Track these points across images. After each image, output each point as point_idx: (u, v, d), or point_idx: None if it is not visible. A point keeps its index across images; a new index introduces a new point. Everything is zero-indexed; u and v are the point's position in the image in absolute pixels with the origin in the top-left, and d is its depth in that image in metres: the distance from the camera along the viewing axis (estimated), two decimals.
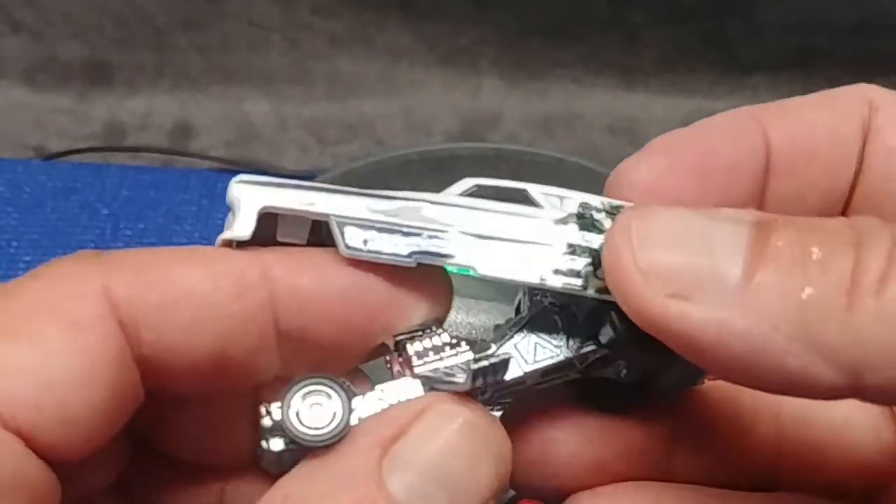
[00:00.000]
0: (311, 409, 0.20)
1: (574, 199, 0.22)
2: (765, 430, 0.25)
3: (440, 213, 0.21)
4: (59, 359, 0.19)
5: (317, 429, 0.20)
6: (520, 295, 0.23)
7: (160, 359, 0.21)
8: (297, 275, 0.21)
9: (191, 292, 0.21)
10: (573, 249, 0.21)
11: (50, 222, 0.61)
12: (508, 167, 0.54)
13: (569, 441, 0.24)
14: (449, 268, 0.22)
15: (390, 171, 0.54)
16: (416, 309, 0.22)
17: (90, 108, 0.71)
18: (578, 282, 0.21)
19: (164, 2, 0.68)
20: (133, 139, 0.70)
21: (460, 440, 0.20)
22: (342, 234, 0.21)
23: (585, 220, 0.22)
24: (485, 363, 0.21)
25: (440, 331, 0.22)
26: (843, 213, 0.24)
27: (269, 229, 0.21)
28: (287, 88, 0.71)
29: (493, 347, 0.22)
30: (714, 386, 0.25)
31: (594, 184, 0.58)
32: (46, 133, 0.70)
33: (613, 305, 0.20)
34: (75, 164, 0.67)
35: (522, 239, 0.21)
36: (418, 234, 0.21)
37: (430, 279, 0.22)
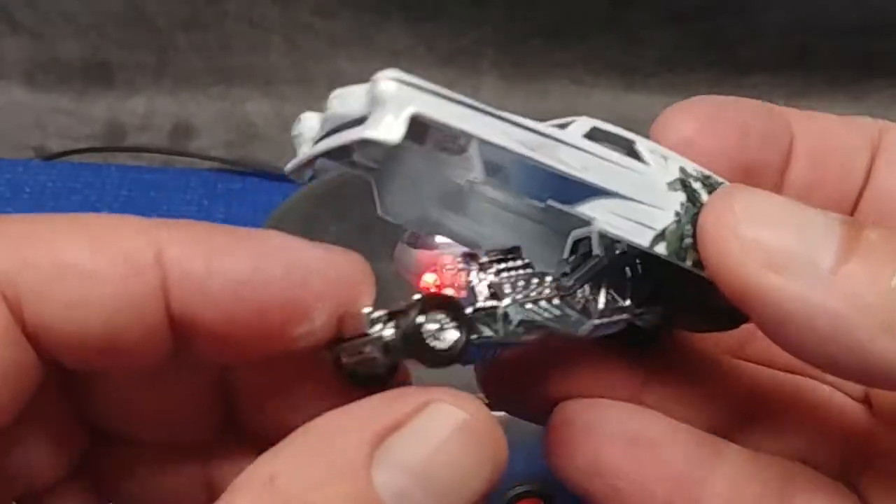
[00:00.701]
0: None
1: (675, 161, 0.23)
2: (739, 374, 0.25)
3: (574, 157, 0.21)
4: None
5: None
6: (582, 231, 0.23)
7: (45, 335, 0.20)
8: (190, 259, 0.20)
9: (75, 270, 0.20)
10: (679, 218, 0.22)
11: None
12: None
13: (557, 360, 0.24)
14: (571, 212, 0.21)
15: None
16: (317, 311, 0.21)
17: (90, 108, 0.71)
18: (681, 253, 0.21)
19: (164, 2, 0.68)
20: (133, 139, 0.70)
21: (456, 443, 0.19)
22: (483, 162, 0.20)
23: (689, 189, 0.22)
24: (605, 320, 0.22)
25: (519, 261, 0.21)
26: (851, 211, 0.25)
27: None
28: (287, 88, 0.71)
29: (580, 294, 0.22)
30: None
31: None
32: (46, 133, 0.70)
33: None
34: (75, 164, 0.67)
35: (639, 199, 0.21)
36: (553, 175, 0.21)
37: (345, 274, 0.21)
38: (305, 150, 0.21)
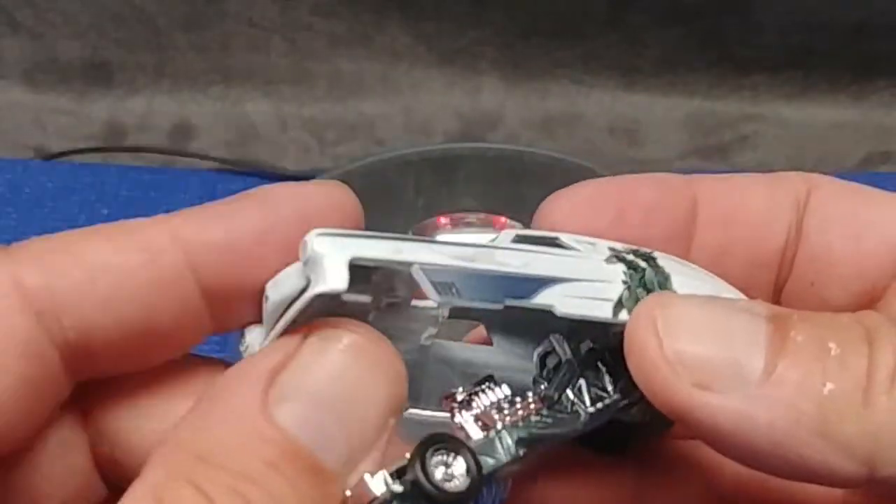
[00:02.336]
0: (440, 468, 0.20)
1: (602, 243, 0.23)
2: (728, 476, 0.25)
3: (512, 257, 0.22)
4: None
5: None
6: (544, 345, 0.23)
7: (87, 340, 0.21)
8: (206, 230, 0.22)
9: (103, 268, 0.21)
10: (628, 284, 0.22)
11: (50, 222, 0.61)
12: (508, 167, 0.54)
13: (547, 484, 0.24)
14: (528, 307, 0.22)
15: (390, 171, 0.54)
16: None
17: (90, 108, 0.71)
18: None
19: (164, 2, 0.68)
20: (133, 139, 0.70)
21: (346, 362, 0.20)
22: (431, 282, 0.21)
23: (625, 260, 0.22)
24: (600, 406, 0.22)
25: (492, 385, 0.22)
26: (783, 274, 0.25)
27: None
28: (287, 88, 0.71)
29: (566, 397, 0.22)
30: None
31: None
32: (46, 133, 0.70)
33: None
34: (75, 164, 0.66)
35: (585, 278, 0.22)
36: (500, 277, 0.21)
37: (341, 202, 0.23)
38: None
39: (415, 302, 0.23)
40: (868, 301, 0.24)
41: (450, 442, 0.20)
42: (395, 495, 0.19)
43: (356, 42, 0.70)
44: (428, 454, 0.20)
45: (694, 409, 0.20)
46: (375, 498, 0.19)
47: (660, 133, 0.69)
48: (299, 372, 0.19)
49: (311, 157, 0.70)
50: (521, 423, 0.21)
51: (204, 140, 0.70)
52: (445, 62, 0.70)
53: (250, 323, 0.22)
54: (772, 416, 0.19)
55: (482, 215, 0.50)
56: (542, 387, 0.23)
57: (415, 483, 0.19)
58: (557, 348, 0.23)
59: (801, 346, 0.20)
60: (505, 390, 0.22)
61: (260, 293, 0.22)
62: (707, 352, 0.20)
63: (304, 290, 0.20)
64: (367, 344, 0.20)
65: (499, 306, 0.21)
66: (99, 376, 0.22)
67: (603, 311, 0.22)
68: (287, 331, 0.21)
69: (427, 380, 0.24)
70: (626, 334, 0.21)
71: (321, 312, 0.21)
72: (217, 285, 0.21)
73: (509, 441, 0.21)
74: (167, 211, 0.68)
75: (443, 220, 0.50)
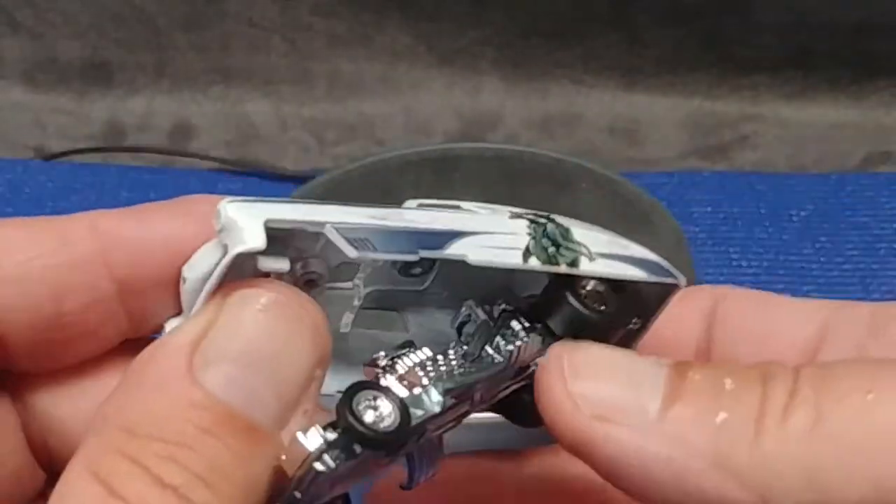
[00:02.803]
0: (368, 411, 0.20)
1: (501, 208, 0.24)
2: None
3: (420, 216, 0.22)
4: None
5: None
6: (460, 316, 0.24)
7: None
8: (122, 225, 0.22)
9: (12, 248, 0.21)
10: (533, 234, 0.23)
11: None
12: (508, 167, 0.54)
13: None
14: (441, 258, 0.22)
15: (390, 171, 0.54)
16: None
17: (90, 108, 0.71)
18: (548, 265, 0.23)
19: (164, 2, 0.68)
20: (133, 139, 0.70)
21: (268, 320, 0.20)
22: (346, 239, 0.21)
23: (525, 217, 0.23)
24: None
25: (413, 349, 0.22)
26: None
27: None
28: (287, 88, 0.71)
29: (488, 353, 0.23)
30: None
31: (594, 184, 0.58)
32: (46, 133, 0.70)
33: (569, 287, 0.23)
34: (75, 165, 0.66)
35: (492, 230, 0.23)
36: (412, 232, 0.22)
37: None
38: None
39: (330, 284, 0.23)
40: None
41: (374, 387, 0.20)
42: (329, 444, 0.19)
43: (356, 42, 0.70)
44: (355, 400, 0.20)
45: (595, 441, 0.20)
46: (310, 453, 0.19)
47: (660, 133, 0.69)
48: (221, 335, 0.19)
49: (311, 157, 0.69)
50: (445, 377, 0.22)
51: (204, 140, 0.70)
52: (445, 62, 0.70)
53: (170, 318, 0.22)
54: (669, 449, 0.20)
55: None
56: (463, 347, 0.23)
57: (347, 428, 0.19)
58: (472, 313, 0.24)
59: (698, 384, 0.21)
60: (426, 352, 0.22)
61: (175, 295, 0.22)
62: (609, 389, 0.21)
63: (221, 260, 0.20)
64: (285, 300, 0.20)
65: (414, 257, 0.21)
66: (16, 367, 0.22)
67: (513, 259, 0.22)
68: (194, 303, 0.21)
69: (349, 368, 0.24)
70: (535, 376, 0.22)
71: (248, 276, 0.21)
72: (130, 279, 0.22)
73: (437, 395, 0.21)
74: None
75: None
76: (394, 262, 0.24)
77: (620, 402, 0.21)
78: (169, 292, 0.22)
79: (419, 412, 0.21)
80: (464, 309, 0.24)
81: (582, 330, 0.23)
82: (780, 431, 0.20)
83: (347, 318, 0.24)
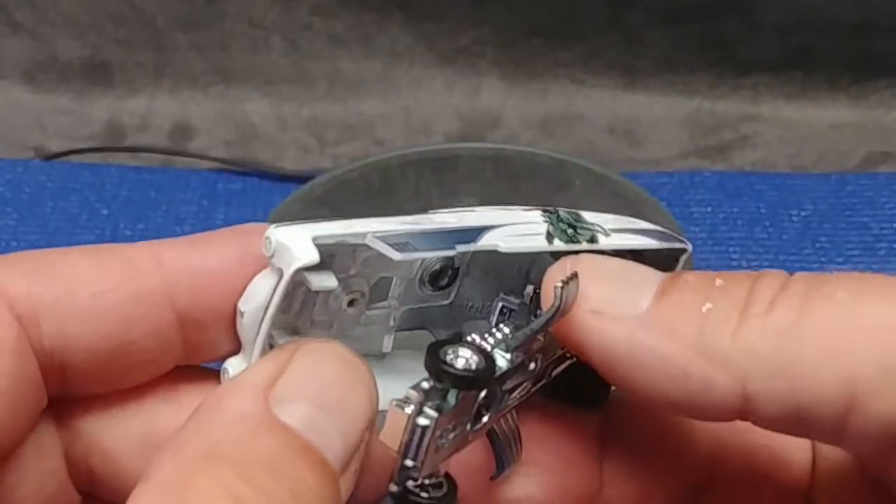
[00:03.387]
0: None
1: (513, 207, 0.25)
2: (700, 442, 0.26)
3: (446, 217, 0.24)
4: None
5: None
6: (495, 315, 0.25)
7: (63, 349, 0.21)
8: (184, 256, 0.22)
9: (84, 280, 0.21)
10: (549, 220, 0.24)
11: (49, 223, 0.61)
12: (508, 167, 0.54)
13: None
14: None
15: (390, 171, 0.54)
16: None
17: (90, 108, 0.71)
18: (571, 244, 0.24)
19: (164, 2, 0.68)
20: (133, 139, 0.70)
21: (335, 370, 0.21)
22: (389, 244, 0.22)
23: (538, 207, 0.25)
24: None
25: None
26: None
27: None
28: (287, 88, 0.71)
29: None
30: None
31: (594, 184, 0.58)
32: (46, 133, 0.70)
33: None
34: (75, 164, 0.66)
35: (513, 222, 0.24)
36: (446, 231, 0.23)
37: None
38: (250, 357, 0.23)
39: (368, 310, 0.24)
40: None
41: (454, 342, 0.21)
42: (426, 392, 0.20)
43: (356, 42, 0.70)
44: (441, 352, 0.21)
45: (590, 332, 0.22)
46: (411, 412, 0.20)
47: (660, 133, 0.69)
48: (296, 377, 0.20)
49: (311, 157, 0.70)
50: (506, 340, 0.22)
51: (204, 140, 0.70)
52: (445, 62, 0.70)
53: (226, 356, 0.23)
54: (655, 338, 0.21)
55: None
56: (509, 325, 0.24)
57: (440, 373, 0.20)
58: (505, 303, 0.25)
59: (690, 282, 0.22)
60: (480, 331, 0.23)
61: (230, 325, 0.22)
62: (605, 287, 0.22)
63: (278, 284, 0.21)
64: (347, 354, 0.21)
65: (452, 252, 0.23)
66: (72, 392, 0.22)
67: (539, 242, 0.24)
68: (271, 334, 0.22)
69: (395, 384, 0.25)
70: (542, 282, 0.23)
71: (298, 305, 0.22)
72: (190, 309, 0.22)
73: (504, 353, 0.22)
74: (167, 210, 0.69)
75: None
76: (422, 277, 0.25)
77: (615, 298, 0.22)
78: (224, 321, 0.23)
79: (496, 365, 0.22)
80: (497, 303, 0.25)
81: None
82: (763, 321, 0.20)
83: (388, 339, 0.25)
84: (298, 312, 0.23)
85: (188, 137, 0.70)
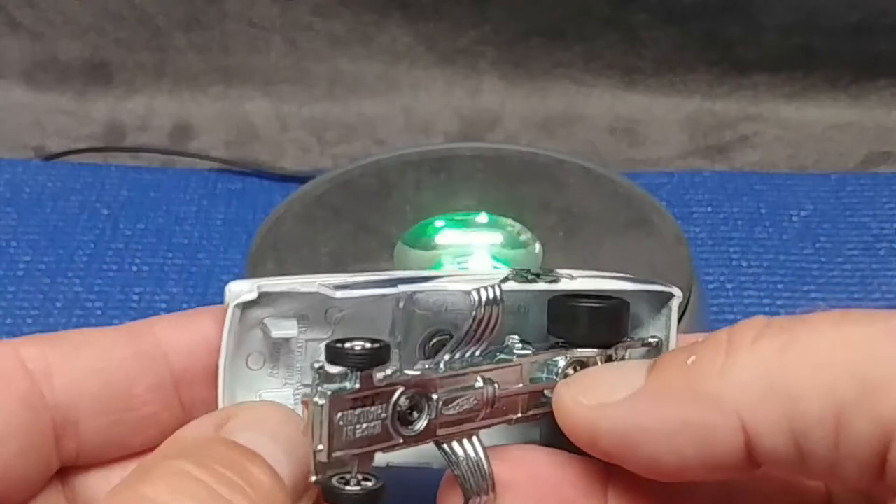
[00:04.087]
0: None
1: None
2: (709, 487, 0.26)
3: (396, 273, 0.24)
4: None
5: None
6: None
7: (74, 404, 0.23)
8: (176, 323, 0.25)
9: (89, 341, 0.24)
10: (515, 274, 0.25)
11: (49, 222, 0.61)
12: (508, 167, 0.54)
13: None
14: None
15: (390, 171, 0.54)
16: None
17: (90, 108, 0.71)
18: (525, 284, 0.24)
19: (164, 2, 0.68)
20: (133, 139, 0.70)
21: (281, 416, 0.23)
22: (333, 287, 0.23)
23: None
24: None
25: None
26: None
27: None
28: (287, 88, 0.71)
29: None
30: None
31: (594, 184, 0.58)
32: (46, 133, 0.70)
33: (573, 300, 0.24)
34: (75, 164, 0.67)
35: (473, 275, 0.25)
36: (395, 277, 0.24)
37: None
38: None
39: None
40: None
41: (354, 339, 0.22)
42: (317, 372, 0.21)
43: (356, 42, 0.70)
44: (340, 340, 0.22)
45: (597, 423, 0.22)
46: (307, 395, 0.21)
47: (660, 133, 0.69)
48: (243, 416, 0.22)
49: (311, 157, 0.70)
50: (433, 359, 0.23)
51: (204, 140, 0.70)
52: (445, 62, 0.70)
53: None
54: (655, 405, 0.22)
55: (482, 216, 0.50)
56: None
57: (329, 350, 0.22)
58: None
59: (673, 351, 0.23)
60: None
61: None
62: (603, 383, 0.23)
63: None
64: (292, 411, 0.23)
65: (393, 290, 0.23)
66: (82, 460, 0.24)
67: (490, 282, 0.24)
68: (225, 377, 0.24)
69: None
70: (553, 400, 0.24)
71: (273, 356, 0.24)
72: (184, 368, 0.25)
73: (425, 362, 0.23)
74: (167, 210, 0.68)
75: (442, 220, 0.50)
76: (421, 343, 0.25)
77: (610, 386, 0.23)
78: (214, 386, 0.25)
79: (412, 371, 0.23)
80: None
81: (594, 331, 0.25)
82: (748, 354, 0.21)
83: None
84: (287, 377, 0.24)
85: (188, 137, 0.70)
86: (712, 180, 0.64)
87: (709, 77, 0.69)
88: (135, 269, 0.57)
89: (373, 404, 0.22)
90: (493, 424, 0.24)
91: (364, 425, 0.22)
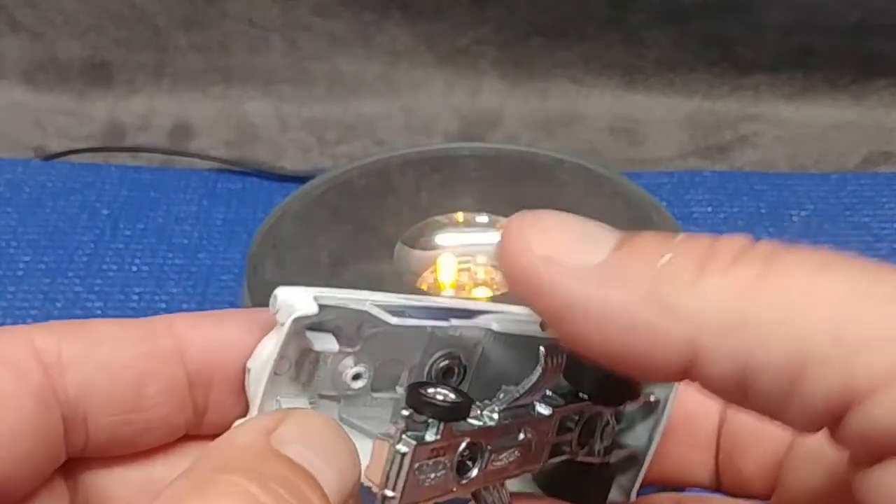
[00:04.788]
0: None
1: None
2: None
3: (445, 301, 0.24)
4: None
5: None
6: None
7: (86, 400, 0.23)
8: (196, 322, 0.24)
9: (105, 337, 0.23)
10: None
11: (49, 223, 0.61)
12: (508, 167, 0.54)
13: None
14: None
15: (390, 171, 0.54)
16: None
17: (90, 108, 0.71)
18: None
19: (164, 2, 0.68)
20: (133, 139, 0.70)
21: (324, 429, 0.22)
22: (386, 311, 0.23)
23: None
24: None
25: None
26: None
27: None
28: (287, 88, 0.71)
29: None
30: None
31: (594, 184, 0.58)
32: (46, 133, 0.70)
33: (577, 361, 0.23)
34: (75, 165, 0.67)
35: (511, 311, 0.24)
36: (445, 308, 0.24)
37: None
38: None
39: (374, 392, 0.25)
40: (773, 475, 0.26)
41: (431, 384, 0.22)
42: (406, 419, 0.21)
43: (356, 42, 0.70)
44: (422, 388, 0.21)
45: (540, 279, 0.21)
46: (391, 439, 0.21)
47: (660, 133, 0.69)
48: (293, 427, 0.21)
49: (311, 157, 0.70)
50: (492, 404, 0.23)
51: (204, 140, 0.70)
52: (445, 62, 0.70)
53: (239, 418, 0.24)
54: (608, 288, 0.20)
55: (482, 216, 0.50)
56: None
57: (418, 404, 0.21)
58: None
59: (649, 237, 0.21)
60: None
61: (237, 388, 0.24)
62: (562, 235, 0.21)
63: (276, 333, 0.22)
64: (334, 422, 0.22)
65: (446, 323, 0.23)
66: (89, 454, 0.24)
67: (532, 329, 0.24)
68: (278, 399, 0.23)
69: None
70: (502, 234, 0.22)
71: (305, 375, 0.23)
72: (200, 369, 0.24)
73: (492, 412, 0.23)
74: (167, 210, 0.69)
75: (442, 220, 0.50)
76: (430, 373, 0.25)
77: (569, 247, 0.21)
78: (231, 384, 0.24)
79: (476, 422, 0.23)
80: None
81: (608, 387, 0.25)
82: (722, 277, 0.20)
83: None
84: (306, 383, 0.24)
85: (188, 137, 0.70)
86: (712, 180, 0.64)
87: (709, 77, 0.69)
88: (135, 269, 0.57)
89: (444, 454, 0.22)
90: (523, 473, 0.24)
91: (433, 475, 0.21)
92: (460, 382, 0.25)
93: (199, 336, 0.24)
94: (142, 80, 0.71)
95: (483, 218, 0.50)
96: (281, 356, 0.22)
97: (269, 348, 0.23)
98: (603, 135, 0.70)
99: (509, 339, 0.25)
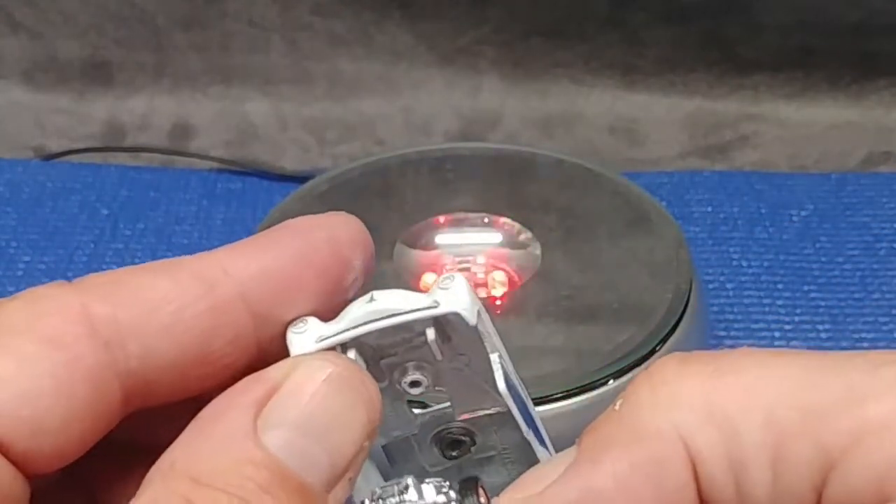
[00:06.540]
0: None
1: None
2: None
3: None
4: (36, 371, 0.20)
5: None
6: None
7: (147, 369, 0.22)
8: (253, 261, 0.23)
9: (164, 298, 0.22)
10: None
11: (49, 222, 0.61)
12: (508, 167, 0.54)
13: None
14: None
15: (390, 171, 0.54)
16: (354, 257, 0.24)
17: (90, 108, 0.71)
18: None
19: (164, 2, 0.68)
20: (133, 139, 0.70)
21: (329, 392, 0.21)
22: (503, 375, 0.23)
23: None
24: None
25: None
26: None
27: None
28: (287, 88, 0.71)
29: None
30: None
31: (594, 184, 0.58)
32: (46, 133, 0.70)
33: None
34: (75, 164, 0.67)
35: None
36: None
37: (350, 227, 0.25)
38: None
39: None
40: None
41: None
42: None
43: (356, 42, 0.70)
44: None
45: None
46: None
47: (660, 133, 0.69)
48: (285, 401, 0.21)
49: (311, 156, 0.70)
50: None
51: (204, 140, 0.70)
52: (445, 62, 0.70)
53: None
54: (593, 463, 0.21)
55: (482, 216, 0.50)
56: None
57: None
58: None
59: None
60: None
61: (299, 304, 0.23)
62: (532, 476, 0.22)
63: (427, 309, 0.22)
64: (347, 374, 0.22)
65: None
66: (151, 405, 0.23)
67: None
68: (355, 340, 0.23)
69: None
70: None
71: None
72: (265, 311, 0.23)
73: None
74: (166, 210, 0.68)
75: (442, 220, 0.50)
76: (435, 435, 0.25)
77: (543, 474, 0.22)
78: (303, 308, 0.23)
79: None
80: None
81: None
82: (677, 382, 0.20)
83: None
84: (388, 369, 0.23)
85: (188, 137, 0.70)
86: (712, 180, 0.64)
87: (709, 77, 0.69)
88: None
89: None
90: None
91: None
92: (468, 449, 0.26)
93: (258, 277, 0.23)
94: (141, 79, 0.71)
95: (483, 218, 0.50)
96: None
97: (410, 301, 0.22)
98: (603, 135, 0.70)
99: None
